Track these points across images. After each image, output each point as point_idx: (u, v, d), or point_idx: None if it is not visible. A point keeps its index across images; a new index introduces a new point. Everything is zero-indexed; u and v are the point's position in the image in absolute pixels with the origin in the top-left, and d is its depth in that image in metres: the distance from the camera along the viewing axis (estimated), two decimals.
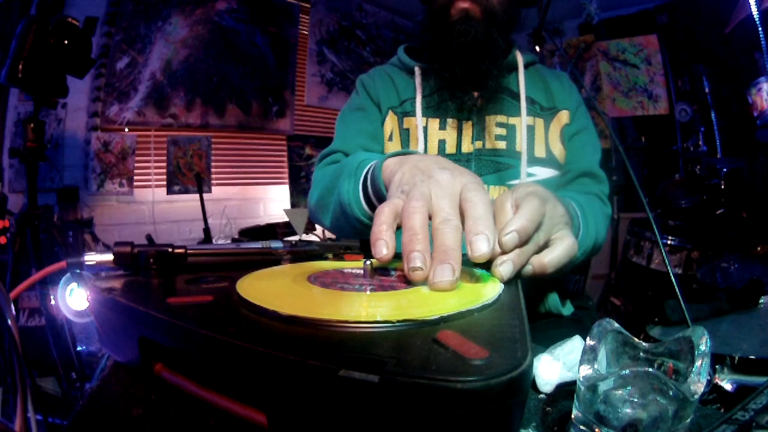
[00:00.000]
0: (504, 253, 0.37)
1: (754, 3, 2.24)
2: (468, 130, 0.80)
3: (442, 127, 0.81)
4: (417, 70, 0.84)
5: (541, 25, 1.58)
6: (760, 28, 2.25)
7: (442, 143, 0.80)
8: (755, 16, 2.26)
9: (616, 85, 3.05)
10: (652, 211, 2.23)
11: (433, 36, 0.79)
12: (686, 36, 2.79)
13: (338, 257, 0.48)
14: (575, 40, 3.16)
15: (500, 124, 0.80)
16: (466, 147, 0.79)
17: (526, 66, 0.84)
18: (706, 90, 2.68)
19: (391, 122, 0.83)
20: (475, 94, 0.79)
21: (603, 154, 0.85)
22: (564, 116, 0.82)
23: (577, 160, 0.82)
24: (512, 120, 0.80)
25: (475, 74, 0.75)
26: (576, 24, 3.14)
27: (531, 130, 0.79)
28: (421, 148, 0.79)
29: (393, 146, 0.82)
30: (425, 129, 0.81)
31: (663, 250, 0.47)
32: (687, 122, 2.78)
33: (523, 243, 0.39)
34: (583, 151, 0.82)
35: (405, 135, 0.82)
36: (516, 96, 0.81)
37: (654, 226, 0.44)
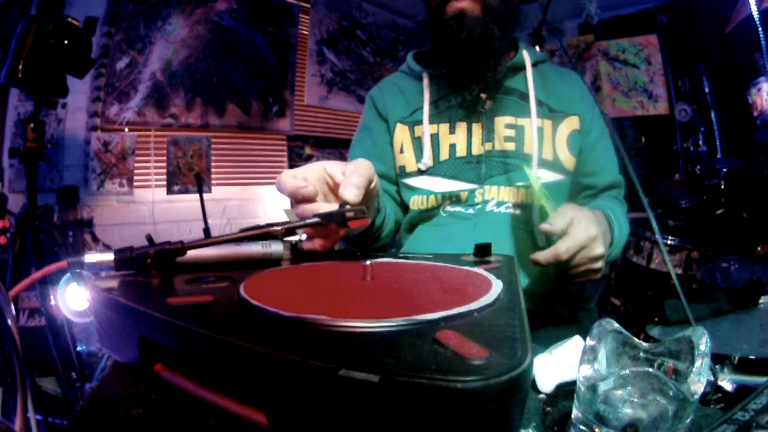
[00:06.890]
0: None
1: (754, 3, 2.24)
2: (477, 131, 0.80)
3: (452, 131, 0.81)
4: (425, 76, 0.84)
5: (542, 24, 1.58)
6: (760, 28, 2.25)
7: (452, 147, 0.80)
8: (755, 16, 2.26)
9: (616, 85, 3.05)
10: (653, 211, 2.23)
11: (431, 34, 0.80)
12: (686, 36, 2.79)
13: (343, 224, 0.46)
14: (575, 40, 3.16)
15: (509, 125, 0.79)
16: (476, 149, 0.79)
17: (535, 65, 0.83)
18: (706, 90, 2.68)
19: (401, 134, 0.84)
20: (483, 95, 0.79)
21: None
22: (574, 122, 0.81)
23: (605, 170, 0.84)
24: (521, 121, 0.79)
25: (472, 68, 0.75)
26: (576, 24, 3.14)
27: (540, 131, 0.79)
28: (427, 154, 0.80)
29: (404, 158, 0.83)
30: (436, 135, 0.81)
31: (663, 250, 0.46)
32: (687, 122, 2.78)
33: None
34: (607, 161, 0.85)
35: (417, 143, 0.83)
36: (524, 97, 0.80)
37: (655, 226, 0.44)
